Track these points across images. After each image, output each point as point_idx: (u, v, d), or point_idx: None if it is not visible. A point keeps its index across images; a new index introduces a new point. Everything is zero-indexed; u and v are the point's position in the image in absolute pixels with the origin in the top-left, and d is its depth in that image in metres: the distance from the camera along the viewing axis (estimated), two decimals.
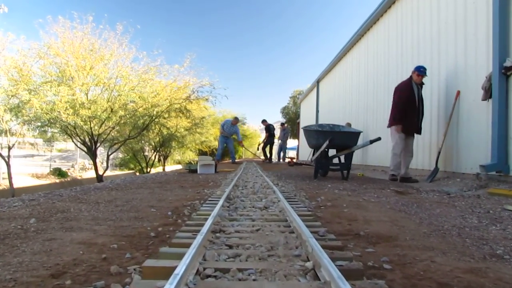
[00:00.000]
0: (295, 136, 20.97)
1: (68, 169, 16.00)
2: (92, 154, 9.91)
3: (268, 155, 13.20)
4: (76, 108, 8.29)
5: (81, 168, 16.14)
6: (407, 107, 5.20)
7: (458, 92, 5.06)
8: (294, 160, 11.38)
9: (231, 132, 10.94)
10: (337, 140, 5.26)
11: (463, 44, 4.95)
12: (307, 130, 5.87)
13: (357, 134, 5.59)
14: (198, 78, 10.28)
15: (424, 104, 5.40)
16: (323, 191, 3.59)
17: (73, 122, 8.49)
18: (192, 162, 6.76)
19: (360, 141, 5.78)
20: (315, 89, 14.70)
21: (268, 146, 13.17)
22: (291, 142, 23.28)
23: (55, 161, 19.54)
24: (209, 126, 15.41)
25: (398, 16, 7.23)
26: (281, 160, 14.45)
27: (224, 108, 22.51)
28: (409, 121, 5.23)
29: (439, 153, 5.49)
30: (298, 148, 19.06)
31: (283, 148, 14.74)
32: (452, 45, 5.27)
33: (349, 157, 5.57)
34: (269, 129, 13.12)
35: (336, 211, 2.30)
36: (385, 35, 7.84)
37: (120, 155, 17.84)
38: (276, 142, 14.78)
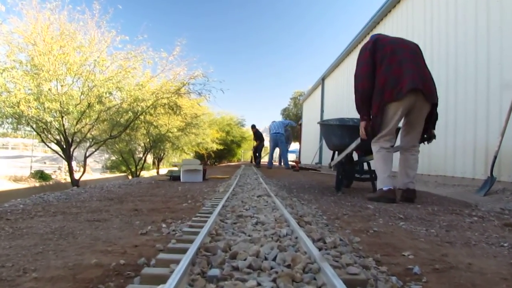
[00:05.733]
0: (296, 138, 19.25)
1: (54, 171, 14.20)
2: (67, 156, 8.17)
3: (256, 159, 11.75)
4: (41, 100, 6.58)
5: (68, 170, 14.29)
6: None
7: None
8: (299, 165, 9.63)
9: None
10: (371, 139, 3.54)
11: None
12: (328, 125, 4.17)
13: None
14: (190, 70, 8.58)
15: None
16: (377, 225, 1.90)
17: (39, 117, 6.79)
18: None
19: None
20: (319, 87, 13.02)
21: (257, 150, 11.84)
22: (292, 145, 21.54)
23: (45, 163, 17.74)
24: (206, 127, 13.64)
25: None
26: (282, 164, 12.67)
27: (222, 109, 20.82)
28: None
29: (495, 157, 3.88)
30: (300, 151, 17.36)
31: (283, 150, 12.79)
32: (509, 14, 3.73)
33: None
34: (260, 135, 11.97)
35: None
36: (408, 18, 6.21)
37: (113, 157, 16.09)
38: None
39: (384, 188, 2.94)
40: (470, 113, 4.53)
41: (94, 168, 16.63)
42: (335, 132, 3.99)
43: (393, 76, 2.80)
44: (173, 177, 4.92)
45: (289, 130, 10.94)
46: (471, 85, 4.52)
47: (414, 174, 3.12)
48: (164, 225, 1.73)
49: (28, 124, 7.49)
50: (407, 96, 2.79)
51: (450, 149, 4.90)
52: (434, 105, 3.05)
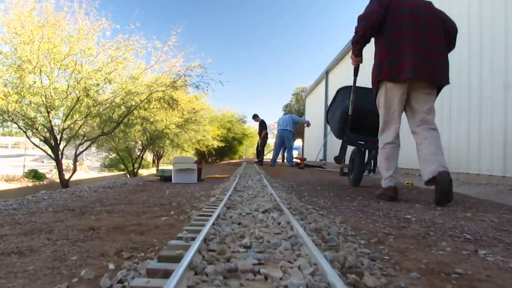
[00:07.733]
0: (299, 135, 18.54)
1: (51, 170, 13.55)
2: (56, 155, 7.50)
3: (260, 155, 10.59)
4: (23, 93, 5.91)
5: (64, 170, 13.64)
6: None
7: None
8: (304, 162, 8.93)
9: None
10: (363, 100, 3.44)
11: None
12: (331, 105, 4.26)
13: None
14: (187, 62, 7.85)
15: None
16: (448, 256, 1.20)
17: (22, 111, 6.13)
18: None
19: None
20: (323, 82, 12.27)
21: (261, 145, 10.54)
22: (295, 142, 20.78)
23: (42, 161, 17.09)
24: (206, 123, 12.94)
25: None
26: (285, 162, 11.97)
27: (223, 106, 20.08)
28: None
29: None
30: (303, 148, 16.68)
31: (287, 146, 11.95)
32: None
33: None
34: (265, 125, 10.47)
35: None
36: None
37: (111, 156, 15.42)
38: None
39: (385, 187, 2.67)
40: (498, 98, 3.79)
41: (92, 167, 15.98)
42: (337, 103, 3.95)
43: (395, 54, 2.51)
44: (164, 178, 4.23)
45: (298, 120, 9.99)
46: (499, 62, 3.77)
47: (441, 158, 2.39)
48: (111, 266, 1.04)
49: (12, 120, 6.83)
50: (405, 82, 2.49)
51: (474, 141, 4.16)
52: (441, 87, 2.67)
